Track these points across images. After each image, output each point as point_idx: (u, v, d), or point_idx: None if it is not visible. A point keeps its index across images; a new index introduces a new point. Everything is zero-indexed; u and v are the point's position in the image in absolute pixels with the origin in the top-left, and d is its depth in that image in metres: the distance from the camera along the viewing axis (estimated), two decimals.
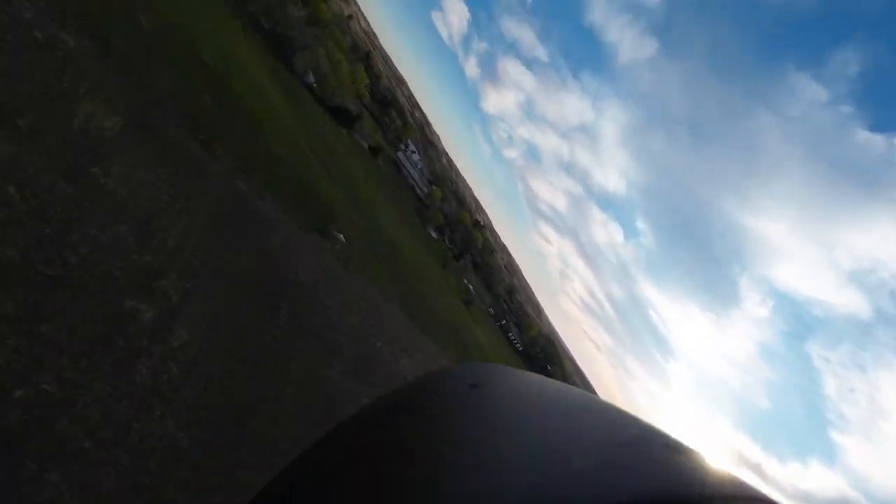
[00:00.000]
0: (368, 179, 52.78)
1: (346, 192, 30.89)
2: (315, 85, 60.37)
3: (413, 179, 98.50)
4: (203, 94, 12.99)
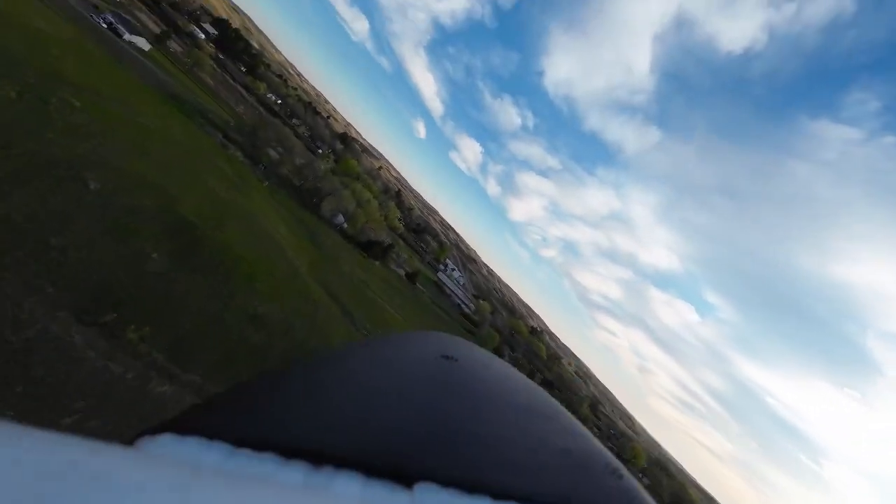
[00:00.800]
0: (403, 306, 47.93)
1: (369, 328, 25.87)
2: (345, 224, 61.75)
3: (458, 297, 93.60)
4: None
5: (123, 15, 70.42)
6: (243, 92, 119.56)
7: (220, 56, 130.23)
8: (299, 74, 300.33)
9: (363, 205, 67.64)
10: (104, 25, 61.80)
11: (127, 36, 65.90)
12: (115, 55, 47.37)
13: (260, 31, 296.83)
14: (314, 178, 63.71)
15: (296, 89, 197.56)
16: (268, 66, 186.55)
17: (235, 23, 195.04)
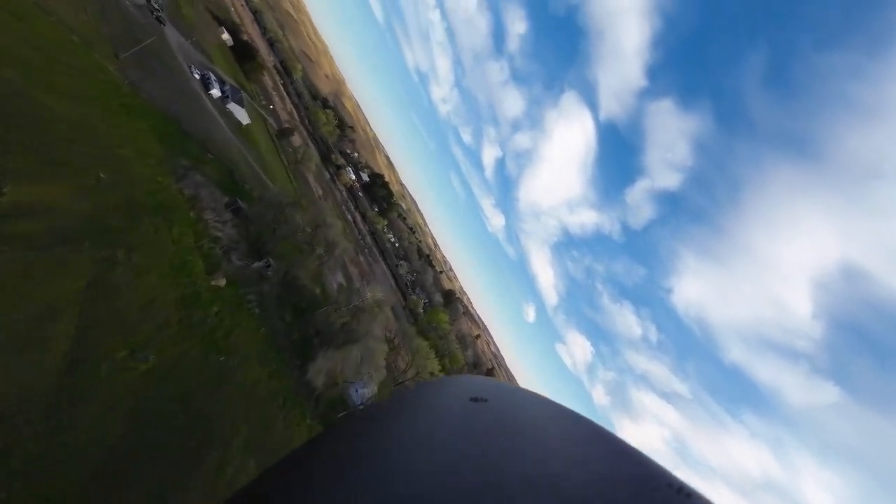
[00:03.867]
0: None
1: None
2: None
3: None
4: None
5: (232, 84, 69.14)
6: (349, 208, 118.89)
7: (360, 193, 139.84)
8: (435, 241, 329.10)
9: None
10: (197, 76, 59.70)
11: (216, 92, 62.74)
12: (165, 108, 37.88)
13: (412, 202, 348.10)
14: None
15: (419, 240, 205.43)
16: (403, 217, 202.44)
17: (395, 190, 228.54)
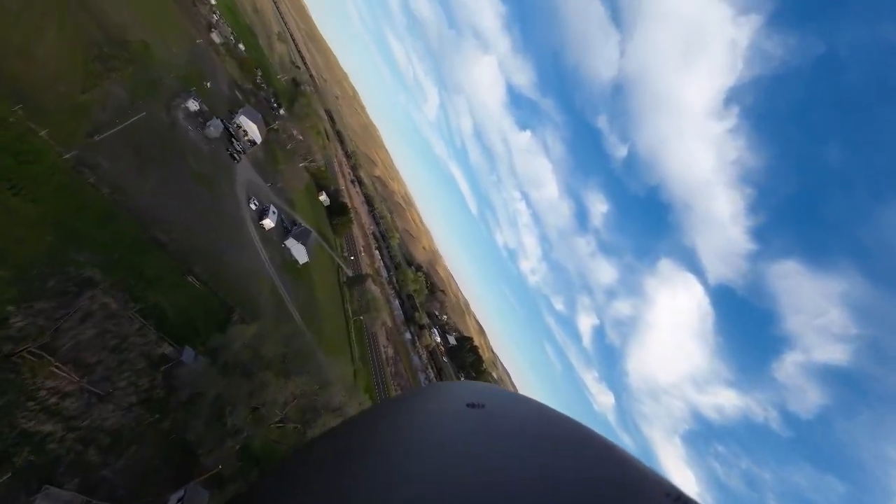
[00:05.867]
0: None
1: None
2: None
3: None
4: None
5: (305, 226, 57.72)
6: (430, 376, 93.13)
7: (444, 358, 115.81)
8: None
9: None
10: (253, 207, 48.36)
11: (269, 223, 50.12)
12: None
13: (504, 372, 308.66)
14: None
15: None
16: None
17: (486, 357, 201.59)
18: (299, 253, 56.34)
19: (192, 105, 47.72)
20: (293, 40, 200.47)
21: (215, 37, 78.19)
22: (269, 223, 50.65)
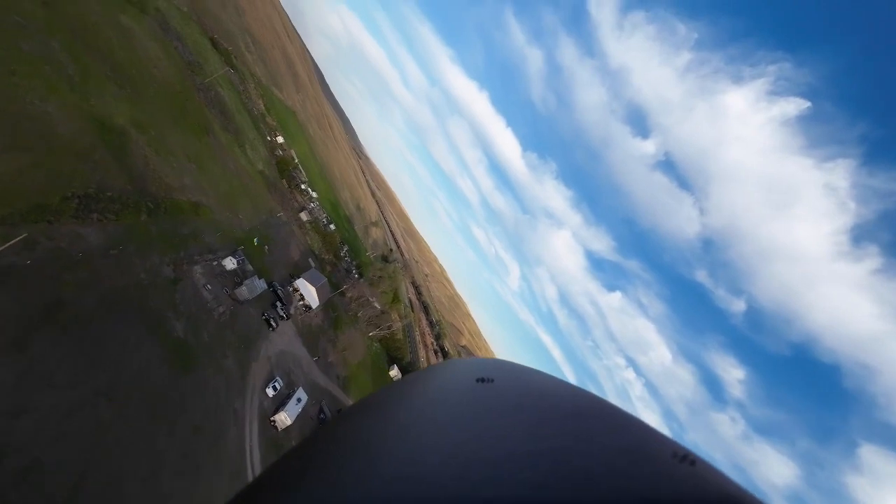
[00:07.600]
0: None
1: None
2: None
3: None
4: None
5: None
6: None
7: None
8: None
9: None
10: (271, 392, 31.63)
11: (285, 417, 31.16)
12: None
13: None
14: None
15: None
16: None
17: None
18: None
19: (229, 263, 39.80)
20: (388, 227, 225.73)
21: (303, 216, 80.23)
22: (284, 419, 33.49)
